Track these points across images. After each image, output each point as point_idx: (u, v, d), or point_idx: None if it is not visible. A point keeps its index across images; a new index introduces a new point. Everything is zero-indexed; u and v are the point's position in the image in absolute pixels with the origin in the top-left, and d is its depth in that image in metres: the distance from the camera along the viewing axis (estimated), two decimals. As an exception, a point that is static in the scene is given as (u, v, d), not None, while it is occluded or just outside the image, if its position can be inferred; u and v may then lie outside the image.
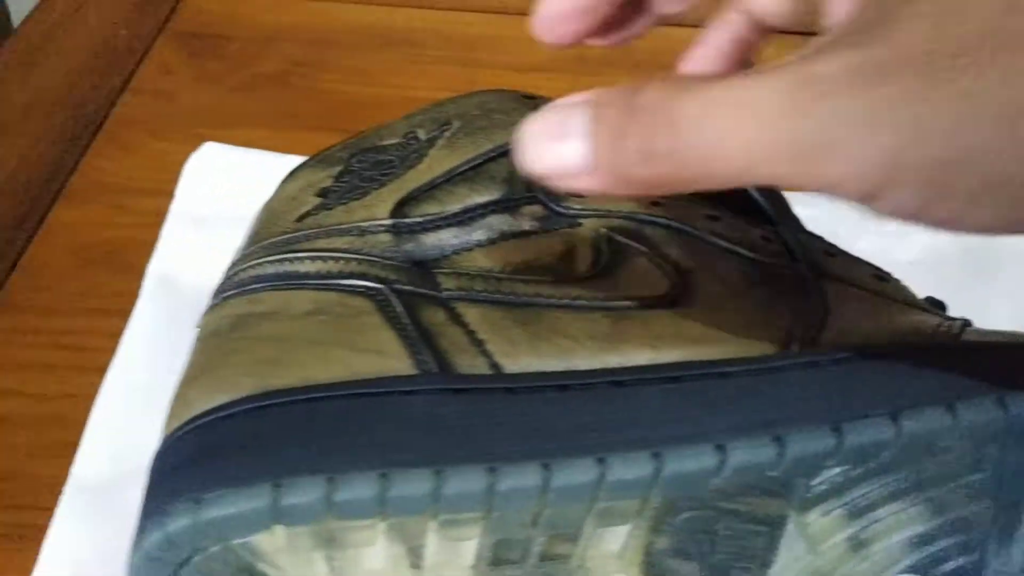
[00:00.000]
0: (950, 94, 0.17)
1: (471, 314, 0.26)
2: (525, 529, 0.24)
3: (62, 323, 0.41)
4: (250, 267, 0.28)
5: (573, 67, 0.53)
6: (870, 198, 0.18)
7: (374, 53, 0.55)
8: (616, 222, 0.29)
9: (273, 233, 0.29)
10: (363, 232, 0.28)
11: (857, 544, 0.25)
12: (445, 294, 0.27)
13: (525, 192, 0.29)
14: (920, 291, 0.29)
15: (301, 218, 0.29)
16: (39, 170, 0.47)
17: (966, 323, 0.27)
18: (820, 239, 0.30)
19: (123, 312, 0.39)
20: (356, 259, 0.27)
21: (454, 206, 0.29)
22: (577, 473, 0.23)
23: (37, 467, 0.35)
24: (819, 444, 0.23)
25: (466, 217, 0.28)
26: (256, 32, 0.56)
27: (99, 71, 0.53)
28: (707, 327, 0.26)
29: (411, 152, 0.31)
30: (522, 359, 0.25)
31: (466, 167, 0.29)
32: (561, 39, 0.27)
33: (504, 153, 0.29)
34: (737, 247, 0.28)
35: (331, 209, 0.29)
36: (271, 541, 0.23)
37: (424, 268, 0.27)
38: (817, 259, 0.28)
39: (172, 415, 0.25)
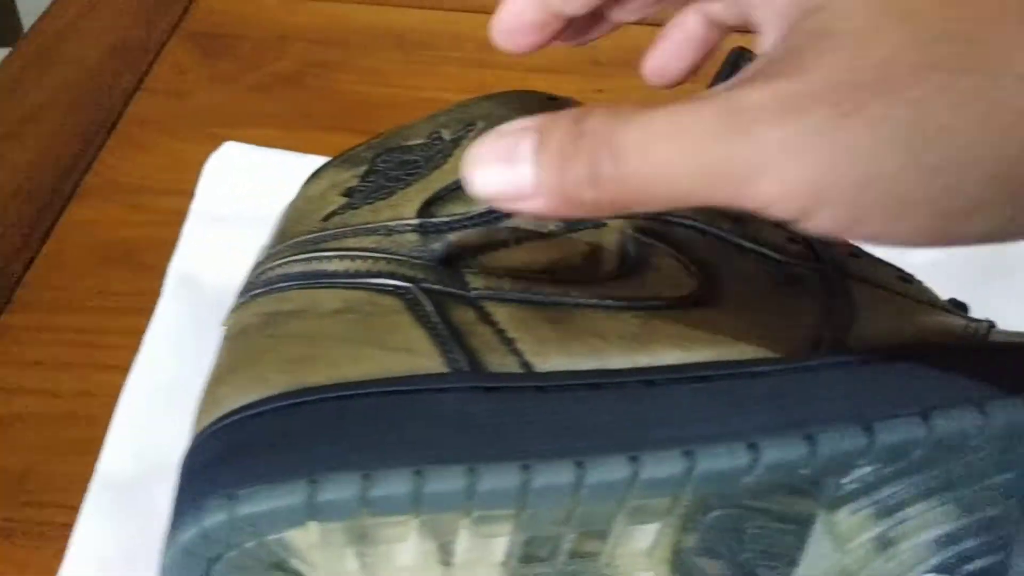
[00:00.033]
0: (861, 123, 0.18)
1: (500, 313, 0.26)
2: (556, 526, 0.24)
3: (77, 321, 0.41)
4: (277, 265, 0.29)
5: (585, 69, 0.54)
6: (802, 217, 0.19)
7: (387, 54, 0.55)
8: (641, 223, 0.29)
9: (299, 232, 0.30)
10: (390, 232, 0.28)
11: (884, 543, 0.25)
12: (474, 293, 0.27)
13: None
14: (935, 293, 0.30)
15: (327, 217, 0.30)
16: (54, 169, 0.47)
17: (991, 325, 0.27)
18: (844, 240, 0.30)
19: (138, 310, 0.39)
20: (384, 258, 0.27)
21: (480, 206, 0.29)
22: (610, 471, 0.23)
23: (53, 464, 0.35)
24: (851, 442, 0.23)
25: (492, 217, 0.29)
26: (269, 32, 0.57)
27: (113, 71, 0.53)
28: (735, 328, 0.26)
29: (436, 152, 0.31)
30: (552, 358, 0.25)
31: (492, 167, 0.30)
32: (519, 48, 0.28)
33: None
34: (762, 248, 0.28)
35: (357, 208, 0.29)
36: (304, 537, 0.23)
37: (452, 268, 0.27)
38: (842, 260, 0.28)
39: (203, 412, 0.26)
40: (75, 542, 0.31)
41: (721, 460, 0.23)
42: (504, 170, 0.21)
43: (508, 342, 0.25)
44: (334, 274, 0.27)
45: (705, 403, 0.24)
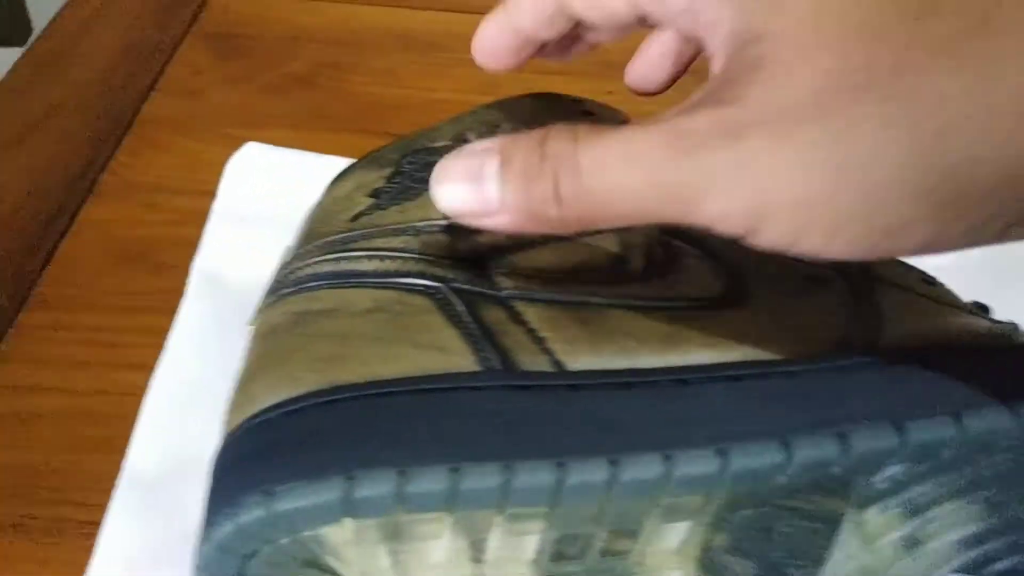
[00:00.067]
0: (792, 148, 0.19)
1: (530, 312, 0.26)
2: (588, 525, 0.24)
3: (94, 320, 0.41)
4: (306, 265, 0.29)
5: (597, 71, 0.54)
6: (748, 234, 0.20)
7: (400, 55, 0.56)
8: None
9: (327, 232, 0.30)
10: (419, 232, 0.28)
11: (911, 542, 0.25)
12: (504, 293, 0.27)
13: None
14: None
15: (355, 218, 0.30)
16: (69, 168, 0.48)
17: (1015, 327, 0.27)
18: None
19: (155, 309, 0.40)
20: (414, 258, 0.28)
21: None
22: (644, 469, 0.23)
23: (71, 462, 0.35)
24: (883, 441, 0.23)
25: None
26: (282, 33, 0.57)
27: (127, 71, 0.54)
28: (764, 329, 0.26)
29: (462, 154, 0.31)
30: (583, 357, 0.25)
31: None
32: (500, 68, 0.29)
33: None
34: (787, 250, 0.29)
35: (385, 209, 0.30)
36: (339, 533, 0.23)
37: (481, 267, 0.28)
38: (867, 262, 0.29)
39: (234, 410, 0.26)
40: (103, 540, 0.31)
41: (755, 458, 0.23)
42: (470, 187, 0.22)
43: (539, 341, 0.26)
44: (364, 274, 0.28)
45: (738, 402, 0.24)
